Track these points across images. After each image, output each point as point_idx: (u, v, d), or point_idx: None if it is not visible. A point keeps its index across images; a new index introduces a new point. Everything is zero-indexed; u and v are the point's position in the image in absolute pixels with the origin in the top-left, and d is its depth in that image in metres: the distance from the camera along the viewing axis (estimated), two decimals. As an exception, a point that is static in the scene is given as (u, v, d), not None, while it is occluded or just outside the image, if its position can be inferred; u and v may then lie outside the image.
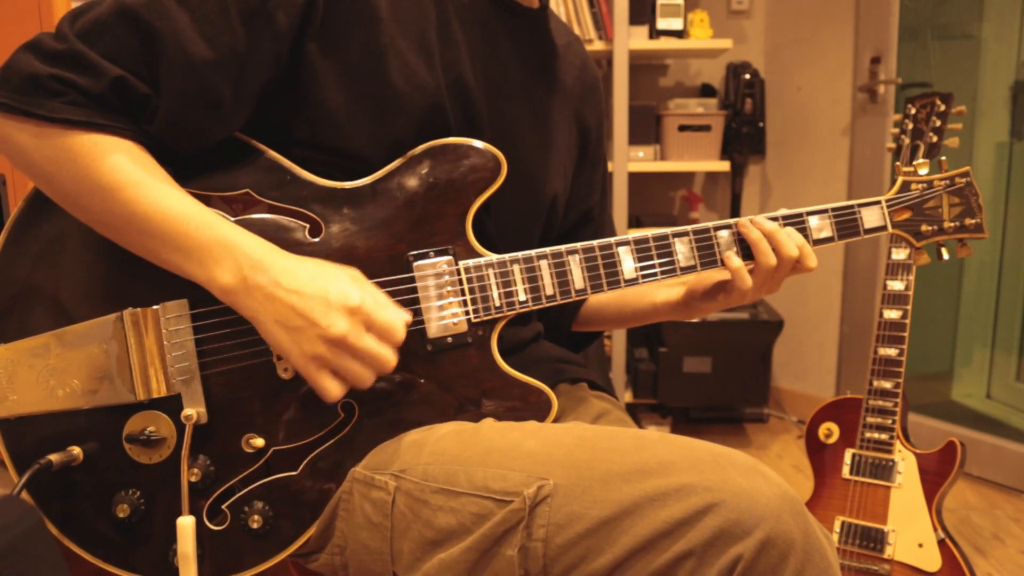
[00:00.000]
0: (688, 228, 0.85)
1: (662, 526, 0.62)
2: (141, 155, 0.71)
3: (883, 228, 0.89)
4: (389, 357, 0.71)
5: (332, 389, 0.71)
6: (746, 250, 0.86)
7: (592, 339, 1.14)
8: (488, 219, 0.86)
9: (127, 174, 0.69)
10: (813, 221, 0.87)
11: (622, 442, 0.69)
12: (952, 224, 0.91)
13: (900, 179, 0.92)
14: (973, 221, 0.91)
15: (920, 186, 0.91)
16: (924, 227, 0.91)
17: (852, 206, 0.88)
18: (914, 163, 0.94)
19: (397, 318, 0.71)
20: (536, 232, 0.95)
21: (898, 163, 0.96)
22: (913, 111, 1.33)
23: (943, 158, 0.95)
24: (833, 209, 0.87)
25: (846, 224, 0.88)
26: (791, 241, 0.84)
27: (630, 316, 1.03)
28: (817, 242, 0.87)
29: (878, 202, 0.89)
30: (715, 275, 0.90)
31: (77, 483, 0.76)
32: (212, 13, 0.71)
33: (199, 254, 0.69)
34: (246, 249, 0.69)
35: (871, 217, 0.88)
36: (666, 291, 0.97)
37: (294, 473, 0.77)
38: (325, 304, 0.68)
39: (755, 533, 0.60)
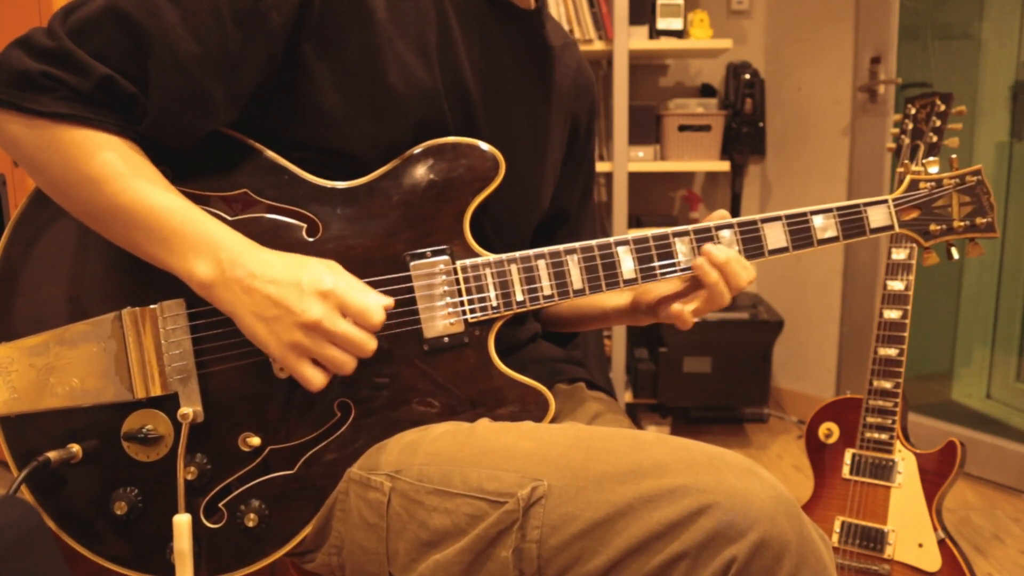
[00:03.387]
0: (689, 228, 0.83)
1: (656, 527, 0.62)
2: (130, 151, 0.72)
3: (890, 227, 0.86)
4: (366, 340, 0.71)
5: (314, 377, 0.71)
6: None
7: (566, 340, 1.12)
8: (485, 219, 0.86)
9: (115, 167, 0.70)
10: (817, 220, 0.85)
11: (617, 443, 0.69)
12: (962, 223, 0.88)
13: (908, 178, 0.89)
14: (984, 220, 0.88)
15: (929, 185, 0.88)
16: (933, 226, 0.88)
17: (858, 205, 0.86)
18: (924, 161, 0.90)
19: (372, 301, 0.71)
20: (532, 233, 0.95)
21: (907, 162, 0.92)
22: (913, 111, 1.33)
23: (954, 156, 0.92)
24: (838, 208, 0.85)
25: (852, 224, 0.85)
26: (743, 271, 0.82)
27: (584, 319, 1.03)
28: (822, 242, 0.85)
29: (885, 201, 0.86)
30: (659, 290, 0.90)
31: (76, 480, 0.76)
32: (203, 11, 0.71)
33: (180, 247, 0.70)
34: (226, 244, 0.70)
35: (877, 216, 0.86)
36: (615, 298, 0.97)
37: (291, 472, 0.77)
38: (298, 290, 0.69)
39: (749, 535, 0.60)
